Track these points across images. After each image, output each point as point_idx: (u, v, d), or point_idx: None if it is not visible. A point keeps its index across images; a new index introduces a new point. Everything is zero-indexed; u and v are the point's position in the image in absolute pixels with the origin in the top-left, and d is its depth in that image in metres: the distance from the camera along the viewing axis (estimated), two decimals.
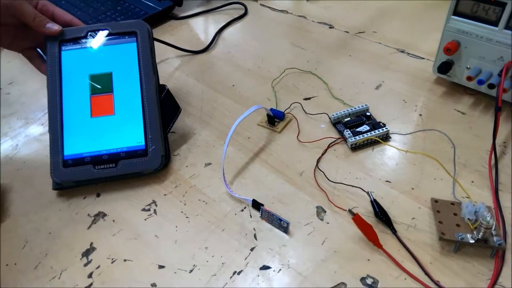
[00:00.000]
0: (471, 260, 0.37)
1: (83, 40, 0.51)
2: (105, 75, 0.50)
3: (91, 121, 0.48)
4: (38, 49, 0.53)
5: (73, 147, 0.47)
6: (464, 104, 0.53)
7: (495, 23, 0.47)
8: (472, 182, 0.44)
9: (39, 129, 0.57)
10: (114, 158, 0.47)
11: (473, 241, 0.36)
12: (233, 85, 0.61)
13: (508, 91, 0.48)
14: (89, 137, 0.48)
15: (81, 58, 0.51)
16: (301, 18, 0.76)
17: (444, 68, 0.52)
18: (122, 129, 0.48)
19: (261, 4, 0.82)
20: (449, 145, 0.48)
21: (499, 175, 0.44)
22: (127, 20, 0.73)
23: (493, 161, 0.45)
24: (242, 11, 0.79)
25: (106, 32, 0.52)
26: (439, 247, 0.38)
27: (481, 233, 0.36)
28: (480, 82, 0.49)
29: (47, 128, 0.49)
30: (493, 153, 0.44)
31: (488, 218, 0.36)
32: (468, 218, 0.38)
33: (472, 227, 0.38)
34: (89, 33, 0.51)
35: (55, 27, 0.50)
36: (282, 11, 0.79)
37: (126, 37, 0.52)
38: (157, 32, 0.76)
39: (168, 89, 0.52)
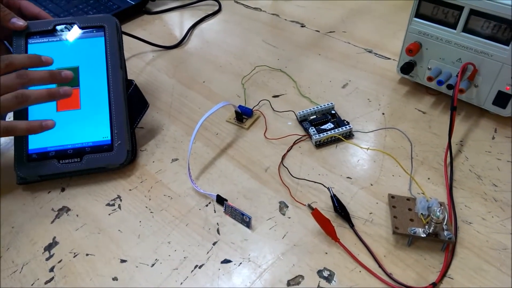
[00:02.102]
0: (423, 253, 0.39)
1: (50, 34, 0.51)
2: (71, 69, 0.50)
3: (56, 115, 0.48)
4: (5, 42, 0.52)
5: (38, 141, 0.47)
6: (425, 104, 0.55)
7: (453, 26, 0.48)
8: (428, 178, 0.45)
9: None
10: (79, 152, 0.47)
11: (425, 235, 0.38)
12: (204, 81, 0.62)
13: (465, 92, 0.50)
14: (54, 131, 0.47)
15: (47, 51, 0.50)
16: (274, 16, 0.77)
17: (406, 68, 0.54)
18: (88, 123, 0.48)
19: (235, 1, 0.82)
20: (409, 143, 0.49)
21: (454, 172, 0.46)
22: (99, 13, 0.73)
23: (448, 159, 0.46)
24: (216, 8, 0.79)
25: (74, 25, 0.51)
26: (394, 240, 0.40)
27: (432, 228, 0.38)
28: (440, 83, 0.51)
29: None
30: (448, 151, 0.46)
31: (438, 213, 0.37)
32: (421, 213, 0.40)
33: (424, 221, 0.39)
34: (56, 26, 0.51)
35: (20, 22, 0.49)
36: (255, 8, 0.80)
37: (94, 31, 0.52)
38: (130, 26, 0.76)
39: (135, 84, 0.52)
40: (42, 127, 0.45)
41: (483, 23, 0.46)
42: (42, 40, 0.51)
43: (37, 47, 0.50)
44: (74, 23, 0.51)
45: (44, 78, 0.45)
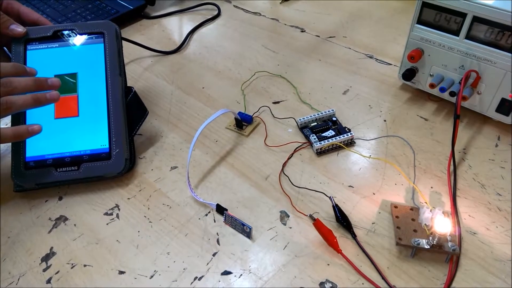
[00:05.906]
0: (427, 265, 0.38)
1: (49, 40, 0.50)
2: (70, 75, 0.49)
3: (54, 122, 0.48)
4: (5, 48, 0.51)
5: (35, 149, 0.46)
6: (427, 110, 0.54)
7: (456, 33, 0.48)
8: (432, 187, 0.45)
9: None
10: (76, 160, 0.46)
11: (428, 247, 0.37)
12: (203, 87, 0.61)
13: (468, 99, 0.49)
14: (52, 139, 0.47)
15: (46, 58, 0.50)
16: (273, 21, 0.76)
17: (408, 75, 0.53)
18: (86, 131, 0.47)
19: (234, 6, 0.82)
20: (411, 151, 0.49)
21: (457, 181, 0.45)
22: (97, 18, 0.73)
23: (452, 167, 0.46)
24: (215, 12, 0.79)
25: (73, 32, 0.51)
26: (397, 251, 0.39)
27: (436, 239, 0.37)
28: (442, 90, 0.50)
29: None
30: (452, 159, 0.46)
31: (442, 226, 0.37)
32: (425, 224, 0.39)
33: (428, 232, 0.39)
34: (56, 32, 0.51)
35: (19, 28, 0.49)
36: (255, 13, 0.79)
37: (93, 37, 0.51)
38: (128, 31, 0.75)
39: (135, 91, 0.51)
40: (28, 132, 0.44)
41: (486, 30, 0.45)
42: (41, 47, 0.50)
43: (36, 53, 0.50)
44: (73, 29, 0.51)
45: (29, 86, 0.44)
